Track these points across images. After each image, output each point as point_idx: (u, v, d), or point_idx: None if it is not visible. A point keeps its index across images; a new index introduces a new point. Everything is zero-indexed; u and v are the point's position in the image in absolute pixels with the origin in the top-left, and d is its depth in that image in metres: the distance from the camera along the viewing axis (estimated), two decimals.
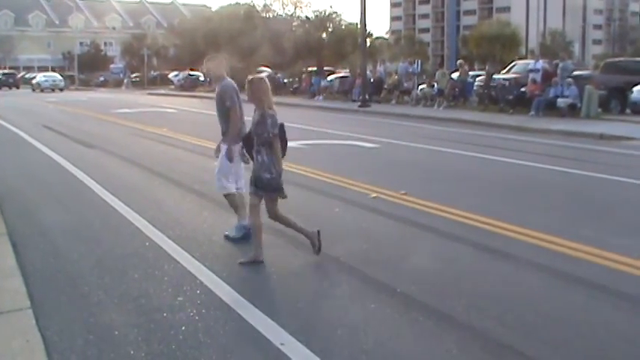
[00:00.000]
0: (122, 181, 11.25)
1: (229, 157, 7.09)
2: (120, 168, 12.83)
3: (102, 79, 73.44)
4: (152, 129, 19.73)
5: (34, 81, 61.55)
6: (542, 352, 4.45)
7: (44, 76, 62.32)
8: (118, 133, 19.26)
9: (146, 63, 67.05)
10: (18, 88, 63.74)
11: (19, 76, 72.81)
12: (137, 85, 64.34)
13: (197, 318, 5.00)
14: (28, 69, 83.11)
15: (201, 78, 57.04)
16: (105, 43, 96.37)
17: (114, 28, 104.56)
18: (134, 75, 69.23)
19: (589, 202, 9.56)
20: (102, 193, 9.77)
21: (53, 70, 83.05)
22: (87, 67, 79.71)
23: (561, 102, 22.99)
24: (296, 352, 4.42)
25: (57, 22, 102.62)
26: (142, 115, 25.88)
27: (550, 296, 5.55)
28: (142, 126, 20.85)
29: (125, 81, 66.30)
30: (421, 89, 30.31)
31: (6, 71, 69.49)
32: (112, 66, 79.65)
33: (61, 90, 57.31)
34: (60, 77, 62.05)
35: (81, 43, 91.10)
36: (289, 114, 27.07)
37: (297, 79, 43.35)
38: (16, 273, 5.95)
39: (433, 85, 29.67)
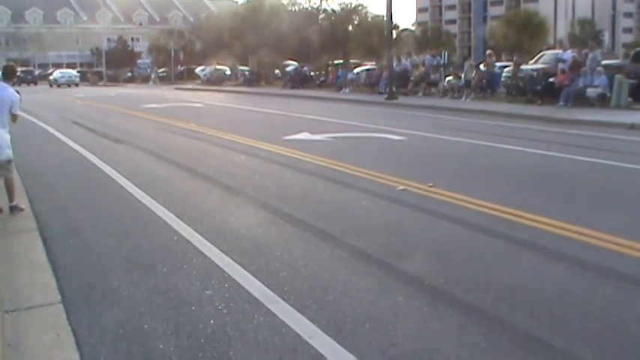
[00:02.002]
0: (150, 175, 11.34)
1: None
2: (147, 162, 12.92)
3: (129, 74, 74.24)
4: (180, 124, 19.83)
5: (51, 77, 66.27)
6: (572, 345, 4.40)
7: (60, 72, 67.23)
8: (145, 128, 19.40)
9: (173, 58, 67.42)
10: (36, 84, 66.23)
11: (47, 72, 74.08)
12: (164, 80, 64.75)
13: (225, 312, 5.01)
14: (57, 65, 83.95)
15: (228, 72, 57.31)
16: (132, 39, 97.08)
17: (141, 24, 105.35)
18: (161, 70, 69.68)
19: (619, 193, 9.43)
20: (130, 188, 9.84)
21: (81, 66, 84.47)
22: (114, 62, 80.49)
23: (591, 92, 22.70)
24: (325, 345, 4.42)
25: (85, 19, 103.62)
26: (169, 110, 26.03)
27: (580, 288, 5.48)
28: (169, 121, 20.97)
29: (152, 76, 66.77)
30: (448, 81, 30.13)
31: (24, 69, 71.10)
32: (139, 61, 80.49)
33: (77, 85, 62.20)
34: (75, 73, 66.92)
35: (108, 39, 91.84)
36: (316, 107, 27.19)
37: (323, 72, 43.34)
38: (46, 268, 6.03)
39: (460, 77, 29.47)
